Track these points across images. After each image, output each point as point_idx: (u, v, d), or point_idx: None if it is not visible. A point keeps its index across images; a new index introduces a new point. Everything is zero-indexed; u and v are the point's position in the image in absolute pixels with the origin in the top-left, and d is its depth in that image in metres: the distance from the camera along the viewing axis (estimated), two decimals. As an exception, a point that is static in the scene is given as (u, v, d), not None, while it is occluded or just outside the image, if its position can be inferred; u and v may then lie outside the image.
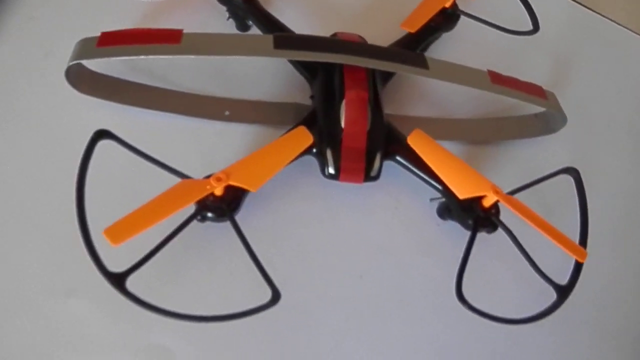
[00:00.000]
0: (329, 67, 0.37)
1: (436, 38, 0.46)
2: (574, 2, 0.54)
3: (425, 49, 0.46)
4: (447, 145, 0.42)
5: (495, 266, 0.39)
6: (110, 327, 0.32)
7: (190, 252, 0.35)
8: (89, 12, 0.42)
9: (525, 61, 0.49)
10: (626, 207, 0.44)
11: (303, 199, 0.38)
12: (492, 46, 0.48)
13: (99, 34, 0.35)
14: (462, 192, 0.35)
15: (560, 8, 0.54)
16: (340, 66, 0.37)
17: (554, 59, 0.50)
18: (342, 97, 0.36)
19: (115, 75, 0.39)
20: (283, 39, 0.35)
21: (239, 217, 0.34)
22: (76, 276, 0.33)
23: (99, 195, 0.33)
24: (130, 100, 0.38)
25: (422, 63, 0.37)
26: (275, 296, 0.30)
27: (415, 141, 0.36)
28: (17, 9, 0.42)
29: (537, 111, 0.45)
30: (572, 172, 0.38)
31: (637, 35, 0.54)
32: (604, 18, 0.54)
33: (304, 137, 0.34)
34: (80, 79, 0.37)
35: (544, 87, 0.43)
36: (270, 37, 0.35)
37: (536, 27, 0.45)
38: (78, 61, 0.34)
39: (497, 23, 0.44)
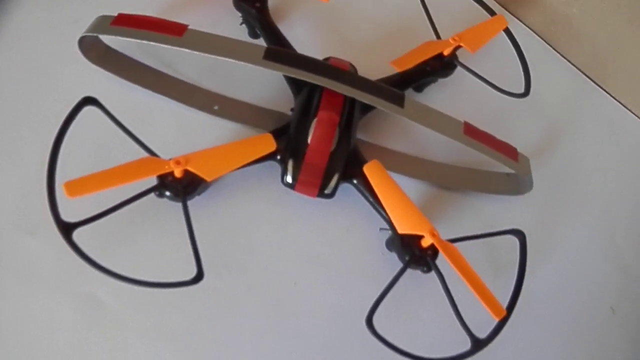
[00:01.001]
0: (312, 86, 0.40)
1: (432, 81, 0.48)
2: (579, 72, 0.55)
3: (420, 89, 0.49)
4: (416, 183, 0.45)
5: (425, 304, 0.40)
6: (57, 269, 0.36)
7: (145, 223, 0.39)
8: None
9: (519, 119, 0.51)
10: (569, 283, 0.44)
11: (263, 200, 0.41)
12: (488, 99, 0.49)
13: (117, 13, 0.39)
14: (402, 227, 0.37)
15: (565, 75, 0.55)
16: (322, 87, 0.40)
17: (547, 123, 0.51)
18: (315, 116, 0.39)
19: (127, 52, 0.44)
20: (273, 52, 0.38)
21: (198, 203, 0.38)
22: (42, 219, 0.36)
23: (76, 153, 0.37)
24: (131, 78, 0.42)
25: (398, 101, 0.39)
26: (198, 277, 0.33)
27: (370, 171, 0.38)
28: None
29: (510, 170, 0.46)
30: (519, 234, 0.39)
31: (636, 118, 0.54)
32: (606, 94, 0.55)
33: (267, 144, 0.37)
34: (93, 49, 0.41)
35: (524, 149, 0.44)
36: (262, 48, 0.38)
37: (527, 92, 0.46)
38: (91, 34, 0.38)
39: (495, 78, 0.45)
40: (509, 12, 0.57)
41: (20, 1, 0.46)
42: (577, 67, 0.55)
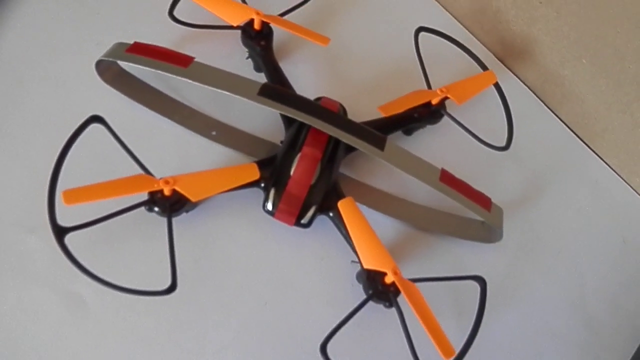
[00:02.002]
0: (301, 123, 0.43)
1: (421, 127, 0.51)
2: (569, 130, 0.57)
3: (409, 132, 0.52)
4: (392, 221, 0.47)
5: (386, 338, 0.43)
6: (49, 267, 0.40)
7: (133, 234, 0.42)
8: (140, 21, 0.52)
9: (504, 169, 0.53)
10: (532, 333, 0.46)
11: (244, 223, 0.45)
12: (474, 147, 0.49)
13: (133, 42, 0.44)
14: (367, 263, 0.39)
15: (554, 132, 0.57)
16: (309, 125, 0.43)
17: (531, 176, 0.53)
18: (300, 150, 0.42)
19: (139, 74, 0.48)
20: (268, 88, 0.42)
21: (185, 219, 0.42)
22: (42, 220, 0.40)
23: (79, 163, 0.41)
24: (139, 99, 0.47)
25: (378, 144, 0.42)
26: (171, 288, 0.36)
27: (344, 206, 0.41)
28: (83, 6, 0.52)
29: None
30: (480, 281, 0.41)
31: (623, 182, 0.55)
32: (594, 154, 0.56)
33: (251, 173, 0.40)
34: (108, 71, 0.46)
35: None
36: (258, 85, 0.42)
37: (507, 146, 0.49)
38: (108, 58, 0.43)
39: (483, 128, 0.48)
40: (506, 66, 0.60)
41: (53, 20, 0.51)
42: (567, 125, 0.57)
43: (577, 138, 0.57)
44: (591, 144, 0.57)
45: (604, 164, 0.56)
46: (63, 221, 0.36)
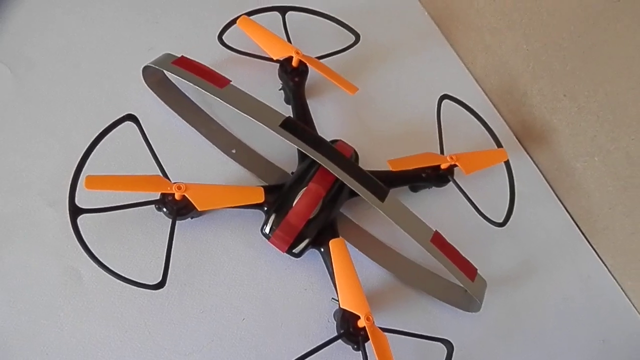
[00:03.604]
0: (313, 160, 0.46)
1: (427, 187, 0.54)
2: (571, 220, 0.58)
3: (415, 189, 0.54)
4: (379, 270, 0.49)
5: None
6: (58, 240, 0.44)
7: (139, 227, 0.46)
8: (192, 37, 0.57)
9: (500, 244, 0.54)
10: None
11: (241, 241, 0.47)
12: (476, 216, 0.51)
13: (181, 55, 0.48)
14: (344, 303, 0.42)
15: (557, 219, 0.58)
16: (320, 163, 0.46)
17: (526, 256, 0.54)
18: (306, 185, 0.45)
19: (179, 83, 0.52)
20: (290, 122, 0.45)
21: (189, 224, 0.45)
22: (63, 197, 0.43)
23: (108, 154, 0.45)
24: (174, 107, 0.51)
25: (380, 195, 0.45)
26: (160, 284, 0.39)
27: (335, 245, 0.43)
28: (146, 12, 0.57)
29: (468, 287, 0.50)
30: (448, 345, 0.43)
31: (615, 282, 0.56)
32: (591, 249, 0.57)
33: (257, 196, 0.43)
34: (153, 76, 0.50)
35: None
36: (281, 117, 0.45)
37: (504, 223, 0.50)
38: (154, 66, 0.47)
39: (488, 199, 0.50)
40: (523, 147, 0.62)
41: (116, 19, 0.56)
42: (570, 215, 0.59)
43: (578, 230, 0.58)
44: (591, 239, 0.58)
45: (600, 261, 0.57)
46: (80, 203, 0.40)
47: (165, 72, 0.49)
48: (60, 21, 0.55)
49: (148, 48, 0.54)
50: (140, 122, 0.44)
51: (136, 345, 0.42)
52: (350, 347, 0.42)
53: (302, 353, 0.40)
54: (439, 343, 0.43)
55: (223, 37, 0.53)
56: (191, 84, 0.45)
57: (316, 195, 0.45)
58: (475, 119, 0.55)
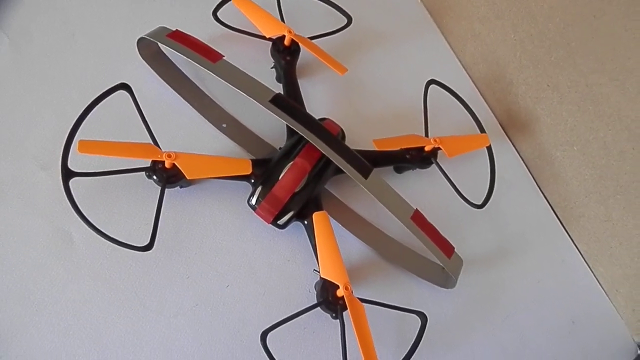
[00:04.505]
0: (301, 136, 0.48)
1: (411, 168, 0.55)
2: (549, 207, 0.61)
3: (399, 171, 0.56)
4: (361, 245, 0.51)
5: (326, 346, 0.46)
6: (50, 203, 0.45)
7: (130, 193, 0.47)
8: (188, 13, 0.58)
9: (479, 225, 0.56)
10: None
11: (228, 211, 0.49)
12: (455, 198, 0.52)
13: (175, 29, 0.49)
14: (324, 272, 0.43)
15: (535, 205, 0.61)
16: (307, 140, 0.47)
17: (503, 238, 0.57)
18: (293, 160, 0.47)
19: (173, 57, 0.54)
20: (279, 98, 0.47)
21: (179, 193, 0.47)
22: (55, 161, 0.44)
23: (101, 121, 0.47)
24: (167, 79, 0.52)
25: (364, 172, 0.46)
26: (148, 246, 0.41)
27: (318, 218, 0.45)
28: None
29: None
30: (422, 317, 0.45)
31: (587, 267, 0.58)
32: (567, 236, 0.60)
33: (245, 167, 0.45)
34: (147, 49, 0.51)
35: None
36: (271, 93, 0.47)
37: (483, 205, 0.52)
38: (149, 38, 0.48)
39: (469, 182, 0.52)
40: (507, 134, 0.64)
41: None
42: (548, 202, 0.61)
43: (555, 216, 0.60)
44: (567, 225, 0.60)
45: (574, 246, 0.59)
46: (72, 166, 0.41)
47: (159, 44, 0.50)
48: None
49: (143, 22, 0.55)
50: (133, 91, 0.45)
51: (123, 305, 0.43)
52: (329, 315, 0.44)
53: (282, 318, 0.41)
54: (414, 315, 0.45)
55: (218, 14, 0.54)
56: (185, 57, 0.47)
57: (302, 170, 0.47)
58: (460, 105, 0.57)
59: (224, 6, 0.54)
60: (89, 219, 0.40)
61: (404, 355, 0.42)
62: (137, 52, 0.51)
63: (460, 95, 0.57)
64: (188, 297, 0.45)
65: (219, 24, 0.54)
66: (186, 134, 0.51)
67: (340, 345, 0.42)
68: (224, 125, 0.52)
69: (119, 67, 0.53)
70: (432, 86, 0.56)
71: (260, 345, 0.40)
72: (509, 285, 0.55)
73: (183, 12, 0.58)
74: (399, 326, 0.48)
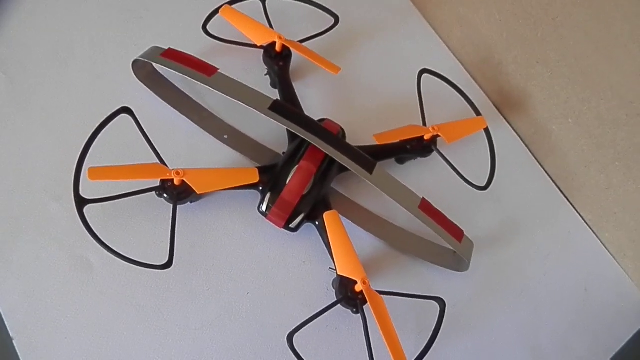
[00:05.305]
0: (302, 139, 0.49)
1: (412, 158, 0.56)
2: (550, 180, 0.61)
3: (401, 162, 0.57)
4: (372, 239, 0.52)
5: (350, 341, 0.47)
6: (66, 232, 0.46)
7: (142, 214, 0.48)
8: (177, 30, 0.59)
9: (485, 207, 0.57)
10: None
11: (239, 220, 0.50)
12: (461, 182, 0.53)
13: (168, 47, 0.50)
14: (341, 270, 0.44)
15: (537, 180, 0.61)
16: (309, 142, 0.48)
17: (509, 217, 0.58)
18: (298, 163, 0.48)
19: (169, 75, 0.54)
20: (278, 105, 0.47)
21: (189, 208, 0.48)
22: (67, 191, 0.45)
23: (106, 147, 0.47)
24: (165, 97, 0.53)
25: (368, 167, 0.47)
26: (167, 264, 0.41)
27: (329, 218, 0.46)
28: (129, 9, 0.59)
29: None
30: (441, 302, 0.46)
31: (594, 235, 0.60)
32: (570, 206, 0.61)
33: (252, 176, 0.46)
34: (142, 69, 0.52)
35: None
36: (270, 100, 0.47)
37: (487, 187, 0.54)
38: (143, 59, 0.49)
39: (471, 166, 0.53)
40: (502, 114, 0.65)
41: (102, 17, 0.58)
42: (549, 176, 0.62)
43: (557, 189, 0.62)
44: (570, 197, 0.61)
45: (579, 217, 0.61)
46: (84, 194, 0.42)
47: (154, 64, 0.51)
48: (47, 25, 0.56)
49: (134, 44, 0.56)
50: (135, 113, 0.46)
51: (149, 323, 0.44)
52: (350, 311, 0.45)
53: (305, 319, 0.42)
54: (432, 301, 0.46)
55: (207, 27, 0.54)
56: (180, 74, 0.47)
57: (308, 172, 0.47)
58: (454, 91, 0.58)
59: (213, 19, 0.55)
60: (105, 242, 0.41)
61: (426, 341, 0.44)
62: (132, 74, 0.52)
63: (453, 81, 0.58)
64: (211, 309, 0.46)
65: (209, 38, 0.54)
66: (189, 149, 0.52)
67: (364, 338, 0.43)
68: (226, 137, 0.53)
69: (115, 91, 0.53)
70: (425, 75, 0.57)
71: (288, 347, 0.41)
72: (519, 262, 0.56)
73: (173, 29, 0.59)
74: (418, 314, 0.49)
